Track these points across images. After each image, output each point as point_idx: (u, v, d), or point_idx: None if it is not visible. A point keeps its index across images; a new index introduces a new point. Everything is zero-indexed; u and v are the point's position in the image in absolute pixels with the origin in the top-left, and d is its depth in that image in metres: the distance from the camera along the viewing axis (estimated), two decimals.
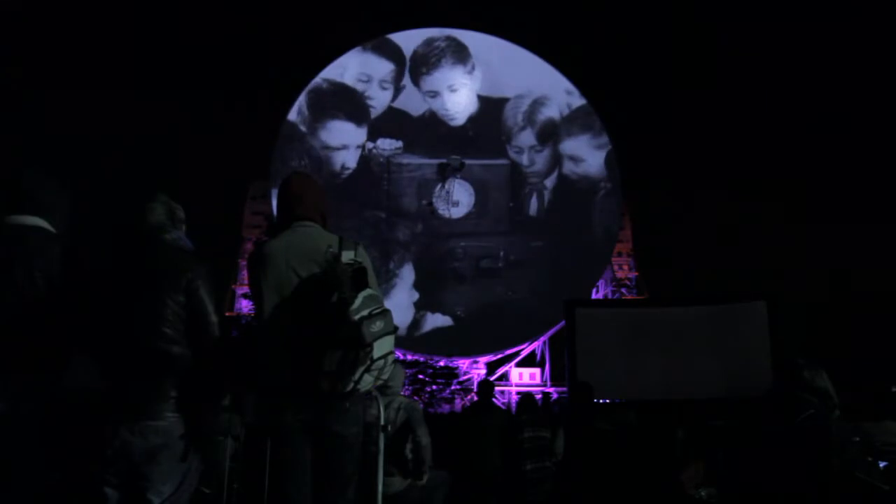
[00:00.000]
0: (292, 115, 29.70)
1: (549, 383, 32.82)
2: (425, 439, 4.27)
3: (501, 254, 29.49)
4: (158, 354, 2.21)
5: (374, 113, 30.08)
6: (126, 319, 2.23)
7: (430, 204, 30.79)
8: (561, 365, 28.69)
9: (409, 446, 4.26)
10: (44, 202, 2.38)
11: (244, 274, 36.09)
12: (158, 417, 2.18)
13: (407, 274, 28.54)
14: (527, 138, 30.89)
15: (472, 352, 29.51)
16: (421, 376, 25.79)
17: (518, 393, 28.55)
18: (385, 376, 2.44)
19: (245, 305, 29.02)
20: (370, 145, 29.87)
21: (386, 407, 4.10)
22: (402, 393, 4.53)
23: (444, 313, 28.18)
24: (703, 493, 4.38)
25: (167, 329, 2.22)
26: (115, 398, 2.19)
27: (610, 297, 34.13)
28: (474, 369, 31.15)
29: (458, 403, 27.81)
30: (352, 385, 2.29)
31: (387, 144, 30.06)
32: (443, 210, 30.63)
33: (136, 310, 2.23)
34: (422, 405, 19.21)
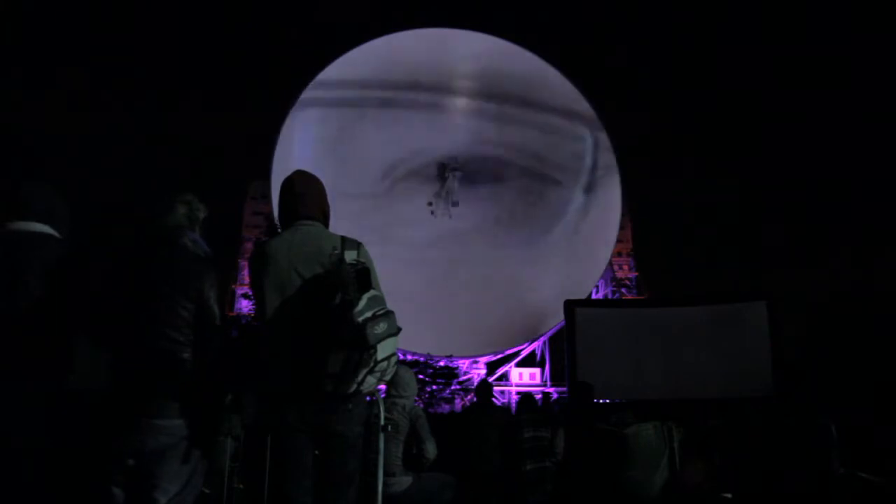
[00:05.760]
0: None
1: (549, 383, 32.85)
2: (433, 453, 4.29)
3: None
4: (166, 356, 2.22)
5: None
6: (137, 321, 2.24)
7: (430, 204, 30.80)
8: (561, 365, 28.74)
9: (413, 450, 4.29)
10: (46, 210, 2.39)
11: (244, 274, 36.13)
12: (167, 417, 2.19)
13: None
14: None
15: None
16: (421, 376, 25.75)
17: (518, 393, 28.57)
18: (388, 377, 2.44)
19: (245, 305, 29.03)
20: None
21: (389, 408, 4.11)
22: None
23: None
24: (703, 493, 4.38)
25: (176, 333, 2.24)
26: (125, 398, 2.20)
27: (610, 297, 34.17)
28: (474, 369, 31.15)
29: (458, 403, 27.80)
30: (355, 386, 2.29)
31: None
32: (443, 210, 30.60)
33: (147, 313, 2.24)
34: (421, 405, 19.22)
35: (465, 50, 29.94)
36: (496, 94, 30.52)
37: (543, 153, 30.88)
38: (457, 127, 30.75)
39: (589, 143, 30.81)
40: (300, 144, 28.22)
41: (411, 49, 29.42)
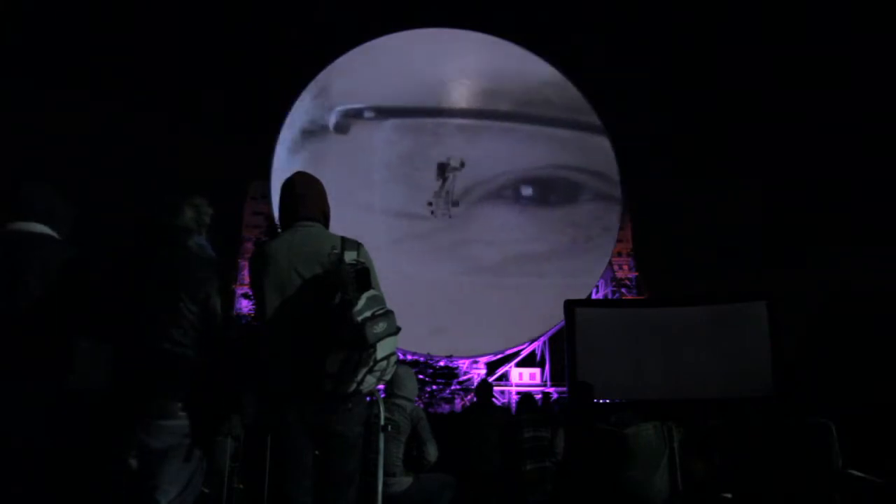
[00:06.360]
0: None
1: (549, 383, 32.90)
2: (434, 454, 4.28)
3: None
4: (169, 357, 2.22)
5: None
6: (141, 322, 2.25)
7: (430, 204, 30.78)
8: (561, 365, 28.78)
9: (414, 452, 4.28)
10: (46, 210, 2.40)
11: (244, 274, 36.12)
12: (170, 418, 2.20)
13: None
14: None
15: None
16: (421, 376, 25.76)
17: (518, 393, 28.58)
18: (387, 377, 2.44)
19: (245, 305, 29.01)
20: None
21: (389, 408, 4.10)
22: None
23: None
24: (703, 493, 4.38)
25: (180, 334, 2.24)
26: (127, 398, 2.20)
27: (610, 297, 34.20)
28: (474, 369, 31.18)
29: (458, 403, 27.82)
30: (354, 386, 2.29)
31: None
32: (443, 210, 30.60)
33: (152, 313, 2.25)
34: (421, 405, 19.26)
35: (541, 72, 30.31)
36: (568, 120, 30.82)
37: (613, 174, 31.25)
38: (531, 149, 30.96)
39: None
40: (368, 163, 28.55)
41: (488, 71, 29.74)
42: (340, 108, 30.19)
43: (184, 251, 2.37)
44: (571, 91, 30.95)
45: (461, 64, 30.51)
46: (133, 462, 2.17)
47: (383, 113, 30.28)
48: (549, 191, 31.63)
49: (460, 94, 30.65)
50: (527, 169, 31.31)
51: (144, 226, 2.45)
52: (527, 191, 31.48)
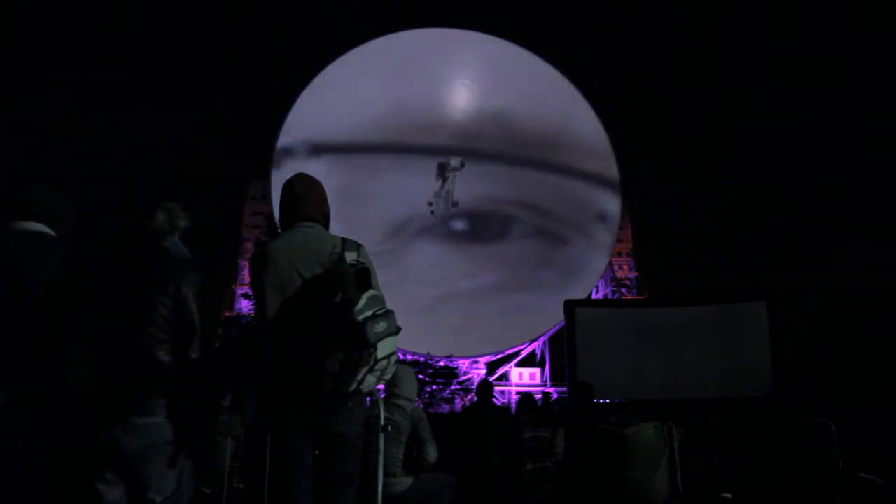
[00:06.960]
0: None
1: (549, 383, 32.91)
2: (434, 456, 4.28)
3: None
4: (146, 355, 2.23)
5: None
6: (117, 321, 2.26)
7: (430, 204, 30.74)
8: (561, 365, 28.76)
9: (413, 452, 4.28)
10: (46, 210, 2.41)
11: (244, 274, 36.14)
12: (148, 415, 2.21)
13: None
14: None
15: None
16: (421, 376, 25.76)
17: (518, 393, 28.58)
18: (387, 376, 2.44)
19: (245, 305, 29.02)
20: None
21: (389, 409, 4.10)
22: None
23: None
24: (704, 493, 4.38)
25: (156, 330, 2.26)
26: (107, 397, 2.21)
27: (610, 297, 34.21)
28: (474, 369, 31.16)
29: (458, 403, 27.81)
30: (355, 385, 2.30)
31: None
32: (443, 210, 30.56)
33: (127, 313, 2.27)
34: (421, 405, 19.24)
35: (481, 95, 29.62)
36: (511, 154, 30.18)
37: (557, 210, 30.53)
38: (468, 180, 30.23)
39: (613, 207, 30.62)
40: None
41: (421, 101, 29.04)
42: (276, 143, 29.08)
43: (157, 250, 2.42)
44: (520, 126, 29.98)
45: (398, 93, 29.45)
46: (115, 459, 2.18)
47: (316, 149, 28.95)
48: (484, 225, 30.60)
49: (398, 127, 29.57)
50: (463, 202, 30.31)
51: (123, 228, 2.50)
52: (459, 225, 30.48)
